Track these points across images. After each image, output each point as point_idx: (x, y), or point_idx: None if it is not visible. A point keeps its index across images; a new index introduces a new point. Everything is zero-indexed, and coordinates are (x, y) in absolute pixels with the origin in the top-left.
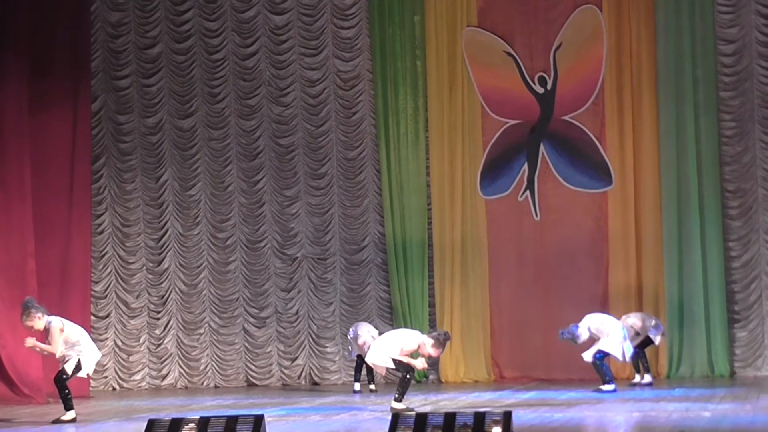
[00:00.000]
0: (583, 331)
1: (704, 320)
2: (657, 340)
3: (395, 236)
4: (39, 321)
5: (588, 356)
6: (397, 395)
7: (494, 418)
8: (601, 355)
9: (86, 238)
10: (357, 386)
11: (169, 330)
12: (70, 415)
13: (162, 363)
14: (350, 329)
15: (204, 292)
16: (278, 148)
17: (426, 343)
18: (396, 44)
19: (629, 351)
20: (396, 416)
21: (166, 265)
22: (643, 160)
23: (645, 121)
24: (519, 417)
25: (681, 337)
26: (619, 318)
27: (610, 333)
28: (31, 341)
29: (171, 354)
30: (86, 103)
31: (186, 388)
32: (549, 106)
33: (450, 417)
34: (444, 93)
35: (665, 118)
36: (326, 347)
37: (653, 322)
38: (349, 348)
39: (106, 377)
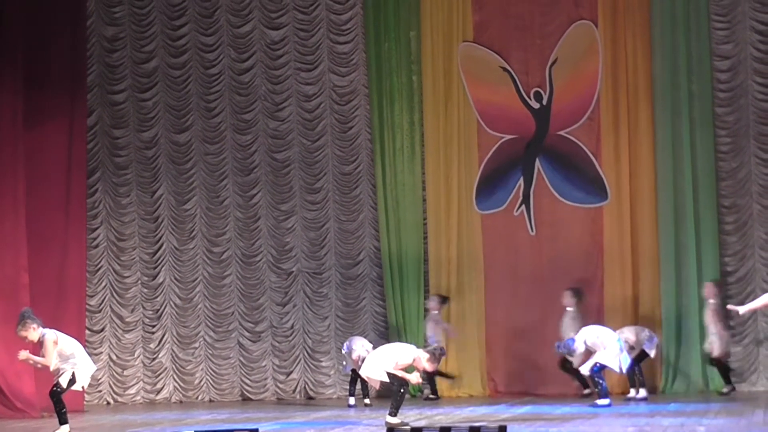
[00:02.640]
0: (579, 344)
1: (699, 335)
2: (652, 353)
3: (391, 251)
4: (33, 332)
5: (585, 369)
6: (391, 409)
7: None
8: (599, 368)
9: (81, 252)
10: (352, 400)
11: (163, 344)
12: (65, 429)
13: (157, 377)
14: (345, 343)
15: (199, 306)
16: (274, 162)
17: (421, 357)
18: (392, 59)
19: (626, 362)
20: (391, 430)
21: (161, 279)
22: (638, 175)
23: (641, 136)
24: (514, 431)
25: (677, 352)
26: (614, 330)
27: (606, 345)
28: (24, 354)
29: (166, 368)
30: (82, 117)
31: (181, 402)
32: (545, 121)
33: (445, 431)
34: (440, 108)
35: (661, 134)
36: (321, 361)
37: (646, 334)
38: (344, 362)
39: (100, 391)
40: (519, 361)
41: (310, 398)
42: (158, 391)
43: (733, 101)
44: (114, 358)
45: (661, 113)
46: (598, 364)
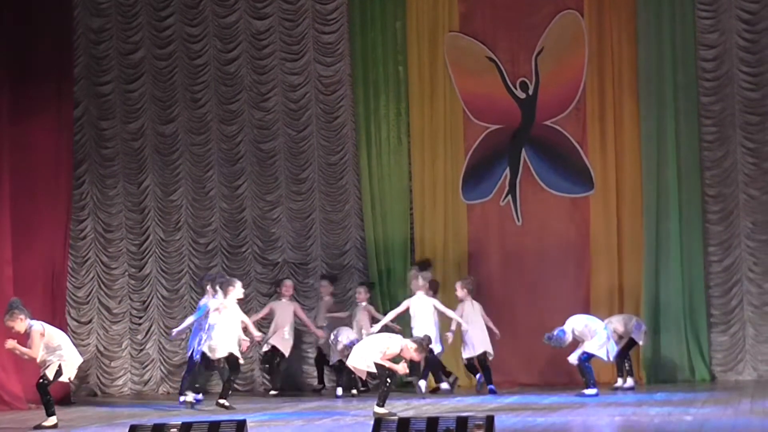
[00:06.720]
0: (568, 335)
1: (684, 325)
2: (641, 340)
3: (377, 241)
4: (21, 323)
5: (573, 359)
6: (379, 400)
7: (477, 422)
8: (586, 357)
9: (67, 244)
10: (339, 391)
11: (150, 335)
12: (52, 420)
13: (144, 368)
14: (331, 334)
15: (185, 298)
16: (259, 153)
17: (409, 347)
18: (377, 49)
19: (613, 350)
20: (378, 421)
21: (147, 271)
22: (624, 165)
23: (626, 126)
24: (502, 421)
25: (660, 341)
26: (602, 319)
27: (594, 334)
28: (11, 343)
29: (153, 359)
30: (68, 109)
31: (168, 393)
32: (530, 111)
33: (432, 421)
34: (425, 98)
35: (646, 123)
36: (308, 353)
37: (633, 322)
38: (330, 353)
39: (88, 383)
40: (506, 351)
41: (298, 389)
42: (145, 383)
43: (718, 90)
44: (101, 349)
45: (646, 102)
46: (585, 353)
